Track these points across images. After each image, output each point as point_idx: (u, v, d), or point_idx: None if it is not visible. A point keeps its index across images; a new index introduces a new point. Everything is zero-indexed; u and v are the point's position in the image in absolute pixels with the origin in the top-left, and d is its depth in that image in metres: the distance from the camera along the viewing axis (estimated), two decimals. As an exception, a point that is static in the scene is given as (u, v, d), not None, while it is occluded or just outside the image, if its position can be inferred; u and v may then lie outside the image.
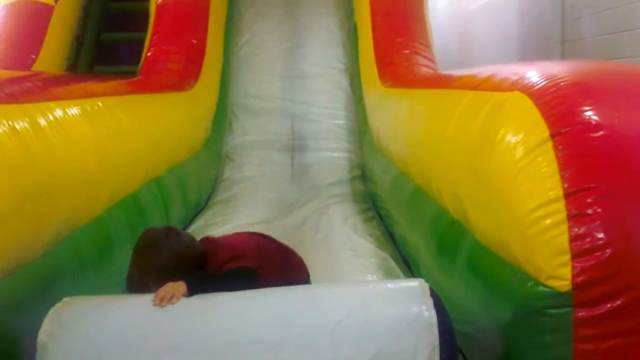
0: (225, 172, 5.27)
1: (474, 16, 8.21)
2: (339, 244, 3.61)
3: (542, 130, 1.80)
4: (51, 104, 2.32)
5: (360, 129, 5.50)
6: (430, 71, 4.83)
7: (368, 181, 5.06)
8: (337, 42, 6.11)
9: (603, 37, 5.14)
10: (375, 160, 4.76)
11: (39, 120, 2.14)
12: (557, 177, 1.72)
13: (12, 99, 2.10)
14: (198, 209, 4.48)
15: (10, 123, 1.94)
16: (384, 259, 3.38)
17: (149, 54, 5.04)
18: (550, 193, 1.72)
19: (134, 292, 2.01)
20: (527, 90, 1.96)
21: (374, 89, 5.03)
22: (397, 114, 3.89)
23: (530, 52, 6.31)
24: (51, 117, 2.24)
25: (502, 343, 1.92)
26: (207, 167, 4.87)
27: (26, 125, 2.04)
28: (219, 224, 4.01)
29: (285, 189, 4.96)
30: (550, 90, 1.89)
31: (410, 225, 3.31)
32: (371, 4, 5.51)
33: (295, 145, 5.51)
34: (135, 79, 4.37)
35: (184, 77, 4.82)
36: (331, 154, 5.48)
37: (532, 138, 1.81)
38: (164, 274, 1.94)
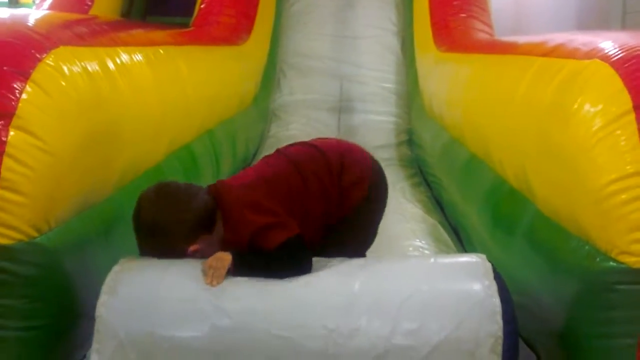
0: (271, 130, 5.27)
1: (530, -17, 7.97)
2: (388, 208, 3.55)
3: (624, 101, 1.73)
4: (118, 48, 2.32)
5: (410, 94, 5.42)
6: (488, 36, 4.71)
7: (415, 147, 5.01)
8: (391, 2, 5.99)
9: (668, 11, 4.96)
10: (424, 126, 4.70)
11: (108, 64, 2.15)
12: (638, 150, 1.66)
13: (83, 40, 2.11)
14: (245, 164, 4.50)
15: (83, 64, 1.95)
16: (433, 225, 3.35)
17: (202, 6, 5.00)
18: (628, 167, 1.67)
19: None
20: (609, 59, 1.88)
21: (427, 53, 4.93)
22: (453, 79, 3.81)
23: (589, 22, 6.12)
24: (119, 62, 2.25)
25: (563, 317, 1.89)
26: (255, 123, 4.88)
27: (97, 67, 2.05)
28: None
29: (331, 150, 4.93)
30: (634, 60, 1.81)
31: (462, 193, 3.27)
32: (428, -37, 5.37)
33: (343, 107, 5.46)
34: (190, 29, 4.35)
35: (236, 31, 4.79)
36: (378, 117, 5.43)
37: (613, 109, 1.74)
38: (168, 245, 1.86)
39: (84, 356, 1.96)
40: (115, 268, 1.82)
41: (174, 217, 1.87)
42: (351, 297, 1.74)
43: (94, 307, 1.73)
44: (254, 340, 1.68)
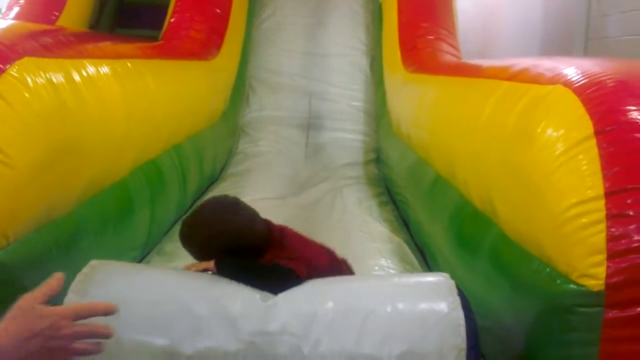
0: (239, 146, 5.25)
1: (497, 7, 8.13)
2: (354, 226, 3.59)
3: (586, 126, 1.77)
4: (85, 60, 2.30)
5: (378, 113, 5.47)
6: (455, 59, 4.78)
7: (383, 165, 5.04)
8: (361, 22, 6.05)
9: (628, 38, 5.09)
10: (391, 145, 4.73)
11: (74, 76, 2.13)
12: (599, 175, 1.70)
13: (48, 51, 2.08)
14: (212, 180, 4.47)
15: (47, 75, 1.93)
16: (399, 245, 3.37)
17: (172, 20, 4.98)
18: (589, 191, 1.70)
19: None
20: (571, 85, 1.93)
21: (395, 73, 4.98)
22: (420, 100, 3.85)
23: (553, 48, 6.27)
24: (85, 74, 2.22)
25: (524, 339, 1.91)
26: (223, 139, 4.85)
27: (62, 79, 2.02)
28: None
29: (299, 166, 4.94)
30: (596, 87, 1.86)
31: (428, 212, 3.29)
32: (398, -15, 5.44)
33: (312, 124, 5.47)
34: (159, 43, 4.33)
35: (206, 46, 4.78)
36: (347, 135, 5.45)
37: (575, 134, 1.79)
38: (214, 249, 1.91)
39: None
40: (85, 270, 1.79)
41: (234, 225, 1.96)
42: (316, 309, 1.75)
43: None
44: (220, 344, 1.67)
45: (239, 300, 1.76)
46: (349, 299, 1.82)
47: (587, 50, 5.76)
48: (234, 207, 2.01)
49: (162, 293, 1.77)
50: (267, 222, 2.06)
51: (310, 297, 1.81)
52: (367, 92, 5.71)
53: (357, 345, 1.68)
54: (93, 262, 1.83)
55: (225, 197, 2.10)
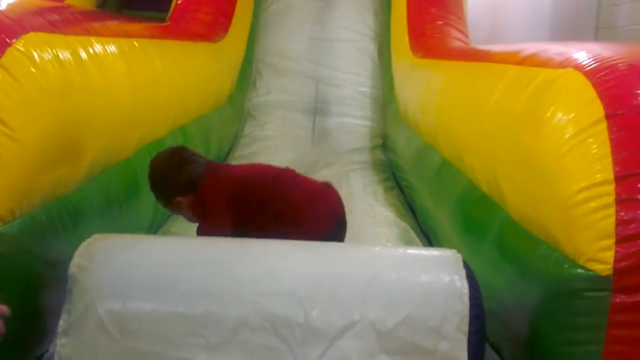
0: (246, 129, 5.24)
1: (507, -6, 8.07)
2: (360, 210, 3.58)
3: (596, 110, 1.75)
4: (92, 38, 2.28)
5: (385, 98, 5.44)
6: (463, 44, 4.75)
7: (389, 151, 5.02)
8: (369, 7, 6.01)
9: (639, 27, 5.05)
10: (398, 131, 4.71)
11: (81, 53, 2.11)
12: (609, 159, 1.68)
13: (55, 28, 2.07)
14: (219, 161, 4.45)
15: (54, 51, 1.92)
16: (404, 230, 3.36)
17: (179, 2, 4.95)
18: (598, 175, 1.68)
19: None
20: (582, 68, 1.90)
21: (403, 59, 4.95)
22: (428, 85, 3.83)
23: (563, 36, 6.22)
24: (91, 52, 2.21)
25: (529, 323, 1.90)
26: (229, 121, 4.84)
27: (68, 56, 2.01)
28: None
29: (306, 151, 4.93)
30: (607, 70, 1.83)
31: (434, 197, 3.28)
32: (408, -30, 5.40)
33: (318, 109, 5.45)
34: (166, 24, 4.30)
35: (213, 29, 4.75)
36: (353, 120, 5.43)
37: (585, 117, 1.76)
38: (157, 195, 2.32)
39: (47, 350, 1.92)
40: (89, 239, 1.83)
41: (159, 176, 2.33)
42: (322, 271, 1.77)
43: (57, 301, 1.70)
44: (224, 304, 1.68)
45: (244, 261, 1.78)
46: (354, 264, 1.83)
47: (597, 39, 5.72)
48: (161, 156, 2.36)
49: (165, 257, 1.79)
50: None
51: (316, 260, 1.82)
52: (375, 78, 5.68)
53: (360, 309, 1.69)
54: (97, 235, 1.85)
55: (169, 148, 2.45)
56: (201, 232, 2.28)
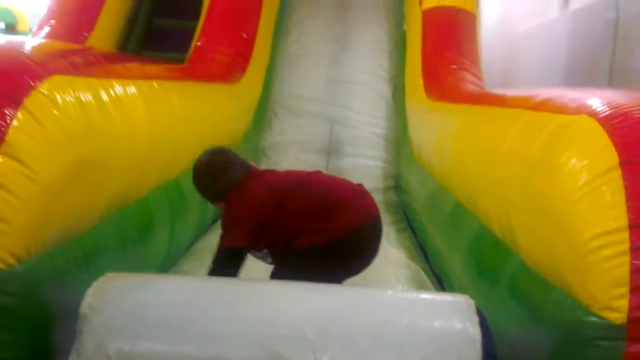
0: (260, 168, 5.26)
1: (521, 38, 8.15)
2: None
3: (610, 157, 1.76)
4: (113, 80, 2.34)
5: (399, 140, 5.48)
6: (477, 88, 4.79)
7: (402, 192, 5.03)
8: (384, 49, 6.10)
9: (654, 73, 5.07)
10: (412, 172, 4.73)
11: (102, 95, 2.16)
12: (623, 207, 1.68)
13: (78, 70, 2.12)
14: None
15: (76, 94, 1.96)
16: (416, 272, 3.35)
17: (198, 43, 5.07)
18: (612, 223, 1.68)
19: None
20: (596, 115, 1.92)
21: (418, 101, 5.00)
22: (442, 128, 3.85)
23: (577, 80, 6.24)
24: (112, 93, 2.26)
25: (542, 370, 1.88)
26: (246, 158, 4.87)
27: (90, 98, 2.06)
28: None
29: (319, 191, 4.94)
30: (621, 117, 1.85)
31: (446, 240, 3.27)
32: (423, 14, 5.50)
33: (332, 149, 5.50)
34: (185, 65, 4.39)
35: (231, 70, 4.85)
36: (367, 161, 5.47)
37: (599, 164, 1.77)
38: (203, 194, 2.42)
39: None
40: (102, 278, 1.84)
41: (198, 184, 2.45)
42: (333, 314, 1.76)
43: (69, 340, 1.70)
44: (236, 347, 1.68)
45: (256, 303, 1.78)
46: (366, 308, 1.82)
47: (611, 83, 5.74)
48: (201, 163, 2.44)
49: (177, 297, 1.80)
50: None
51: (328, 303, 1.82)
52: (389, 119, 5.73)
53: (372, 355, 1.68)
54: (109, 274, 1.87)
55: (212, 150, 2.52)
56: (222, 242, 2.32)
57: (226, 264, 2.25)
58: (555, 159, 1.95)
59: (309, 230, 2.25)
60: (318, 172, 2.53)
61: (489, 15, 9.40)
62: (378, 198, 4.99)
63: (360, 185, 2.52)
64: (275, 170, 2.56)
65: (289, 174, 2.50)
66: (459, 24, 5.44)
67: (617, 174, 1.71)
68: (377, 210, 2.45)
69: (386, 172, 5.34)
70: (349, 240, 2.27)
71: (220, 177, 2.36)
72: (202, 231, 3.67)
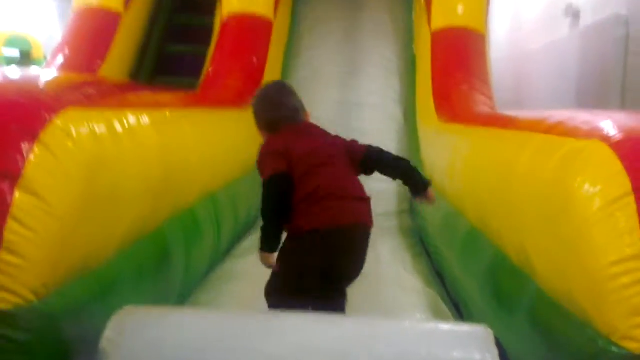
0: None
1: (532, 56, 8.15)
2: (388, 279, 3.56)
3: (623, 183, 1.75)
4: (126, 110, 2.36)
5: (411, 162, 5.46)
6: (489, 109, 4.78)
7: (416, 216, 5.01)
8: (394, 71, 6.11)
9: (666, 90, 5.05)
10: (425, 195, 4.70)
11: (116, 126, 2.18)
12: (638, 233, 1.67)
13: (91, 102, 2.15)
14: (247, 228, 4.49)
15: (91, 125, 1.98)
16: (433, 299, 3.31)
17: (210, 69, 5.12)
18: (628, 250, 1.67)
19: None
20: (608, 140, 1.91)
21: (429, 123, 5.00)
22: (455, 150, 3.85)
23: (589, 98, 6.23)
24: (126, 124, 2.27)
25: (562, 399, 1.85)
26: (257, 187, 4.87)
27: (104, 129, 2.08)
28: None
29: (334, 215, 4.93)
30: (633, 142, 1.84)
31: (462, 266, 3.24)
32: (433, 36, 5.51)
33: (345, 172, 5.49)
34: (197, 92, 4.43)
35: (242, 95, 4.87)
36: (380, 184, 5.37)
37: (613, 190, 1.76)
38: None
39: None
40: (120, 312, 1.84)
41: (255, 109, 2.67)
42: (350, 346, 1.75)
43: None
44: None
45: (273, 336, 1.77)
46: (383, 339, 1.81)
47: (624, 102, 5.71)
48: (261, 91, 2.71)
49: (195, 331, 1.79)
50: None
51: (345, 336, 1.81)
52: (401, 141, 5.72)
53: None
54: (127, 307, 1.87)
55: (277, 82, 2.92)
56: (261, 176, 2.47)
57: (273, 191, 2.37)
58: (569, 184, 1.94)
59: (298, 210, 2.34)
60: (337, 167, 2.49)
61: (499, 34, 9.42)
62: (393, 222, 5.01)
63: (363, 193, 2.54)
64: (313, 137, 2.56)
65: (317, 151, 2.47)
66: (468, 45, 5.45)
67: (631, 200, 1.71)
68: (366, 219, 2.48)
69: (400, 196, 5.31)
70: (329, 234, 2.31)
71: (268, 113, 2.60)
72: (217, 260, 3.67)
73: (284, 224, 2.38)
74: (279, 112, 2.57)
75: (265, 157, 2.43)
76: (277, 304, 2.38)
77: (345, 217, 2.36)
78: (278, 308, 2.33)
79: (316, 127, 2.66)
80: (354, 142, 2.66)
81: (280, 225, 2.37)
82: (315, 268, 2.33)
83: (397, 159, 2.69)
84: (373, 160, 2.61)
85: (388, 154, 2.67)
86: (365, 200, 2.51)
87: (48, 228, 1.70)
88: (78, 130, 1.91)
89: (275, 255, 2.36)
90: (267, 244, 2.37)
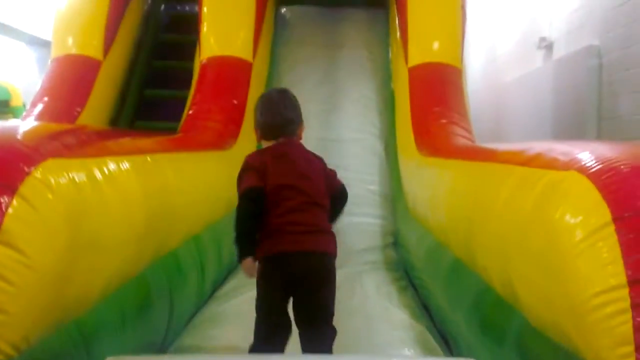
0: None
1: (508, 88, 8.29)
2: (375, 313, 3.55)
3: (603, 213, 1.77)
4: (106, 158, 2.36)
5: (394, 196, 5.49)
6: (468, 142, 4.84)
7: (401, 249, 5.01)
8: (373, 108, 6.18)
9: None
10: (409, 228, 4.73)
11: (96, 174, 2.18)
12: (620, 263, 1.68)
13: (71, 151, 2.14)
14: (231, 268, 4.46)
15: (70, 175, 1.98)
16: (421, 333, 3.30)
17: (190, 112, 5.14)
18: (612, 279, 1.68)
19: None
20: (585, 171, 1.94)
21: (410, 157, 5.04)
22: (436, 184, 3.88)
23: (566, 127, 6.32)
24: (106, 171, 2.27)
25: None
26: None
27: (84, 178, 2.07)
28: (253, 285, 3.96)
29: (317, 252, 4.92)
30: (610, 172, 1.87)
31: (449, 298, 3.24)
32: (410, 72, 5.59)
33: (328, 209, 5.49)
34: (177, 135, 4.44)
35: (223, 136, 4.90)
36: (363, 219, 5.45)
37: (593, 220, 1.78)
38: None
39: None
40: None
41: (255, 108, 2.75)
42: None
43: None
44: None
45: None
46: None
47: (600, 130, 5.80)
48: (266, 94, 2.84)
49: None
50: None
51: None
52: (383, 176, 5.75)
53: None
54: (110, 358, 1.83)
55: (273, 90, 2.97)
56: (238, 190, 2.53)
57: (246, 204, 2.44)
58: (550, 215, 1.96)
59: (262, 234, 2.45)
60: (306, 200, 2.51)
61: (475, 67, 9.59)
62: (377, 256, 5.01)
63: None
64: (292, 165, 2.58)
65: (291, 183, 2.51)
66: (445, 79, 5.53)
67: (611, 229, 1.72)
68: (326, 248, 2.53)
69: (384, 229, 5.33)
70: (287, 259, 2.42)
71: (264, 117, 2.68)
72: (201, 302, 3.64)
73: (255, 233, 2.46)
74: (273, 119, 2.65)
75: (243, 173, 2.53)
76: (259, 322, 2.48)
77: (305, 245, 2.44)
78: (261, 325, 2.45)
79: (300, 151, 2.70)
80: (331, 175, 2.73)
81: (250, 233, 2.45)
82: (276, 290, 2.46)
83: (340, 207, 2.78)
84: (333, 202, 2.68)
85: (343, 201, 2.78)
86: (326, 232, 2.57)
87: (28, 281, 1.68)
88: (58, 181, 1.90)
89: (252, 261, 2.44)
90: (241, 252, 2.45)
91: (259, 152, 2.64)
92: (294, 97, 2.81)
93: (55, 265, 1.80)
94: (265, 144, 2.66)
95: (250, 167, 2.51)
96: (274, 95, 2.79)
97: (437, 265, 3.57)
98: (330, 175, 2.71)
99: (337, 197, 2.69)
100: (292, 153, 2.62)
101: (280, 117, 2.66)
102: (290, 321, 2.46)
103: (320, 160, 2.73)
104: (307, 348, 2.38)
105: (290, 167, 2.54)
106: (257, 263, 2.45)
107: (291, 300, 2.48)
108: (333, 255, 2.58)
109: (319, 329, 2.47)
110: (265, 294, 2.48)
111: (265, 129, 2.67)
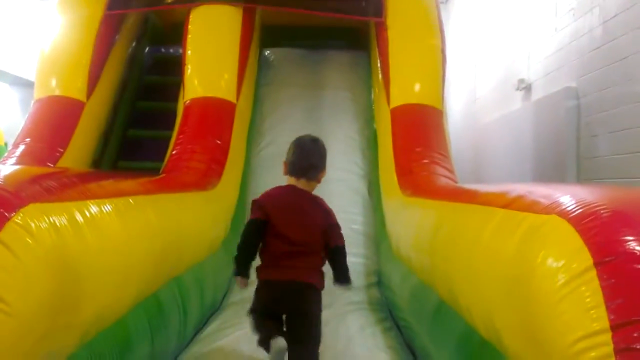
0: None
1: (488, 129, 8.40)
2: (361, 356, 3.51)
3: (585, 257, 1.78)
4: (88, 201, 2.34)
5: (378, 235, 5.49)
6: (450, 182, 4.88)
7: (385, 288, 4.99)
8: (357, 147, 6.23)
9: (619, 157, 5.22)
10: (393, 268, 4.72)
11: (77, 218, 2.16)
12: (603, 308, 1.68)
13: (52, 195, 2.13)
14: (213, 309, 4.41)
15: (51, 220, 1.96)
16: (406, 375, 3.27)
17: (174, 152, 5.13)
18: (595, 324, 1.68)
19: None
20: (566, 215, 1.96)
21: (393, 197, 5.06)
22: (419, 225, 3.89)
23: (545, 167, 6.41)
24: (88, 215, 2.26)
25: None
26: (223, 267, 4.83)
27: (65, 222, 2.06)
28: (236, 326, 3.93)
29: (301, 293, 4.89)
30: (591, 217, 1.88)
31: (433, 340, 3.23)
32: (392, 113, 5.66)
33: (312, 249, 5.47)
34: (160, 176, 4.42)
35: (206, 177, 4.89)
36: (348, 258, 5.42)
37: (575, 265, 1.79)
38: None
39: None
40: None
41: (290, 150, 3.27)
42: None
43: None
44: None
45: None
46: None
47: (579, 170, 5.88)
48: (300, 139, 3.27)
49: None
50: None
51: None
52: (366, 215, 5.76)
53: None
54: None
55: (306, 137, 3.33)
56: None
57: (247, 231, 3.10)
58: (532, 259, 1.97)
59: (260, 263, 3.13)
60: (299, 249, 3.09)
61: (456, 109, 9.73)
62: (361, 296, 4.97)
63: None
64: (298, 216, 3.14)
65: (291, 234, 3.07)
66: (426, 120, 5.60)
67: (593, 274, 1.73)
68: (304, 278, 3.05)
69: (367, 269, 5.31)
70: (263, 286, 3.13)
71: (290, 161, 3.21)
72: (183, 343, 3.58)
73: (253, 256, 3.12)
74: (300, 162, 3.17)
75: (256, 205, 3.11)
76: (252, 320, 3.15)
77: (285, 275, 3.04)
78: (253, 322, 3.13)
79: (310, 204, 3.22)
80: (331, 233, 3.26)
81: (248, 256, 3.12)
82: (262, 303, 3.14)
83: (342, 265, 3.33)
84: (330, 257, 3.27)
85: (343, 258, 3.33)
86: (310, 268, 3.11)
87: (6, 327, 1.65)
88: (39, 226, 1.89)
89: (243, 279, 3.15)
90: (237, 269, 3.13)
91: (271, 195, 3.19)
92: (324, 147, 3.28)
93: (35, 312, 1.77)
94: (289, 179, 3.20)
95: (262, 206, 3.08)
96: (307, 142, 3.23)
97: (421, 306, 3.56)
98: (331, 233, 3.23)
99: (333, 253, 3.22)
100: (303, 205, 3.15)
101: (307, 162, 3.16)
102: (272, 325, 3.02)
103: (325, 214, 3.26)
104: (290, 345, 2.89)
105: (297, 218, 3.09)
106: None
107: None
108: (313, 284, 3.09)
109: (301, 348, 2.95)
110: (257, 303, 3.15)
111: (292, 168, 3.19)
